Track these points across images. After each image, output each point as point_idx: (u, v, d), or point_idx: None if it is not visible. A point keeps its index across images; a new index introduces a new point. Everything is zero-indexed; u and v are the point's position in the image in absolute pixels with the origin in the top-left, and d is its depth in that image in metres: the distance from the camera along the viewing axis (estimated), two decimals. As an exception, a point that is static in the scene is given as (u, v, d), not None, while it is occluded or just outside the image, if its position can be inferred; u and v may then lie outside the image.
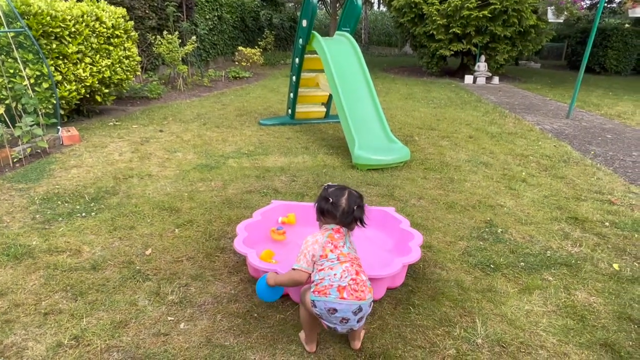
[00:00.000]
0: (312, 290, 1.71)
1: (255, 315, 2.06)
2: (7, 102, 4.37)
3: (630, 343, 1.94)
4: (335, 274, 1.68)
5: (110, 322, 1.98)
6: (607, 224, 3.15)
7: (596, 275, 2.48)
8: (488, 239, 2.87)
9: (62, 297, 2.15)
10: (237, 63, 11.76)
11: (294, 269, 1.77)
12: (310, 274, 1.75)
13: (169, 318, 2.02)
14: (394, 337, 1.94)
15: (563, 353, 1.88)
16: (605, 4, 17.78)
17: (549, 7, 9.25)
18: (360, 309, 1.66)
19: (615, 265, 2.58)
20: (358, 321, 1.69)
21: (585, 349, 1.90)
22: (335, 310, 1.64)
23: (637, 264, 2.61)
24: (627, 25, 14.96)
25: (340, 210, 1.80)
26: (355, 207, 1.81)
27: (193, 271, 2.41)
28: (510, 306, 2.18)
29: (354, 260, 1.77)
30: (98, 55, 5.61)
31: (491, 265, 2.54)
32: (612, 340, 1.95)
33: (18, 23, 4.38)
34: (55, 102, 4.80)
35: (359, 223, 1.84)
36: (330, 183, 1.91)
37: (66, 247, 2.62)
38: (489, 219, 3.18)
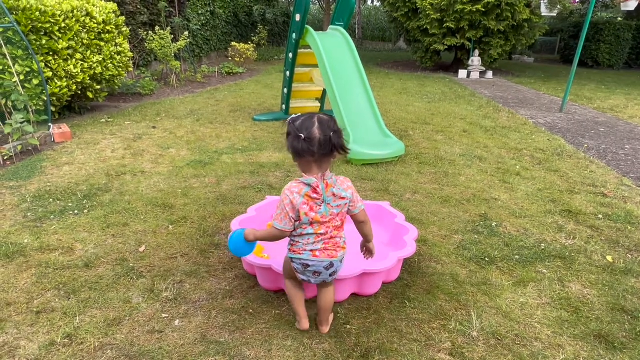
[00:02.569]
0: (288, 248, 1.80)
1: (251, 311, 2.05)
2: (-4, 99, 4.31)
3: (624, 334, 1.95)
4: (308, 239, 1.71)
5: (103, 319, 1.96)
6: (600, 216, 3.17)
7: (590, 267, 2.49)
8: (483, 233, 2.87)
9: (55, 296, 2.12)
10: (230, 59, 11.68)
11: (274, 228, 1.69)
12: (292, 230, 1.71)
13: (164, 315, 2.01)
14: (390, 331, 1.94)
15: (558, 345, 1.88)
16: (598, -2, 17.83)
17: (542, 1, 9.26)
18: (331, 265, 1.76)
19: (609, 257, 2.60)
20: (330, 275, 1.79)
21: (580, 340, 1.91)
22: (308, 265, 1.74)
23: (630, 256, 2.63)
24: (619, 19, 15.03)
25: (317, 143, 1.58)
26: (331, 134, 1.59)
27: (187, 268, 2.39)
28: (505, 299, 2.18)
29: (330, 222, 1.69)
30: (89, 51, 5.54)
31: (486, 259, 2.55)
32: (606, 331, 1.96)
33: (6, 18, 4.31)
34: (45, 98, 4.74)
35: (340, 151, 1.62)
36: (293, 116, 1.68)
37: (58, 245, 2.59)
38: (483, 212, 3.18)
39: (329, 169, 1.69)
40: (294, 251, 1.76)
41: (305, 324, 1.89)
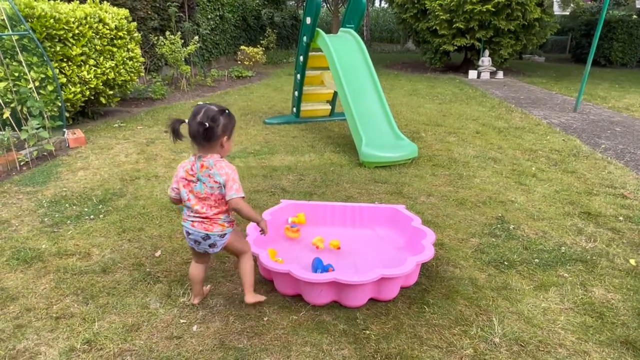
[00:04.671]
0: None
1: (268, 317, 2.03)
2: (12, 105, 4.37)
3: (652, 340, 1.90)
4: (190, 209, 1.89)
5: (122, 325, 1.96)
6: (621, 218, 3.10)
7: (613, 271, 2.44)
8: (500, 236, 2.83)
9: (73, 301, 2.13)
10: (239, 62, 11.73)
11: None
12: (177, 198, 1.94)
13: (181, 320, 2.00)
14: (410, 337, 1.91)
15: (583, 351, 1.84)
16: (610, -4, 17.56)
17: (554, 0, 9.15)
18: (208, 237, 1.89)
19: (632, 261, 2.53)
20: (210, 246, 1.93)
21: (606, 346, 1.86)
22: (189, 233, 1.92)
23: (654, 259, 2.56)
24: (634, 16, 14.80)
25: (194, 129, 1.79)
26: (195, 122, 1.77)
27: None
28: (527, 304, 2.14)
29: (205, 199, 1.85)
30: (102, 57, 5.60)
31: (505, 262, 2.50)
32: (633, 337, 1.91)
33: (22, 26, 4.37)
34: (60, 104, 4.79)
35: (203, 142, 1.81)
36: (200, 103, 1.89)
37: (75, 250, 2.60)
38: (500, 215, 3.13)
39: (213, 153, 1.86)
40: (182, 218, 1.95)
41: (195, 300, 2.10)
